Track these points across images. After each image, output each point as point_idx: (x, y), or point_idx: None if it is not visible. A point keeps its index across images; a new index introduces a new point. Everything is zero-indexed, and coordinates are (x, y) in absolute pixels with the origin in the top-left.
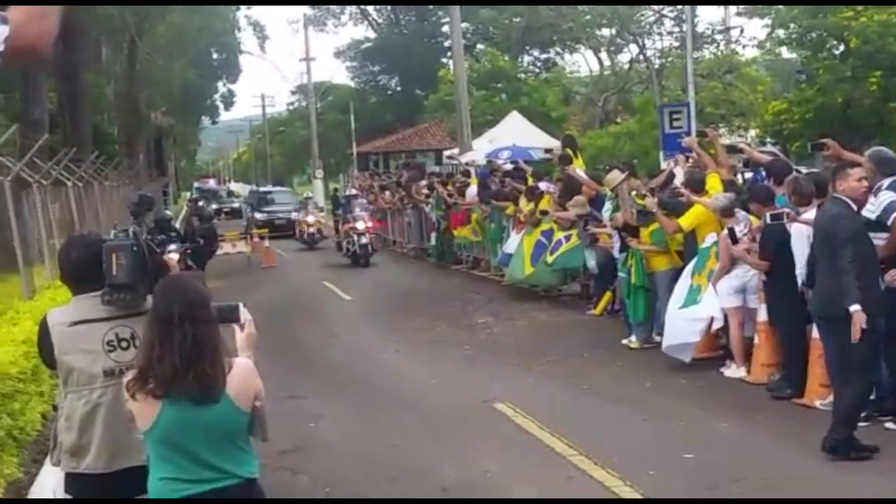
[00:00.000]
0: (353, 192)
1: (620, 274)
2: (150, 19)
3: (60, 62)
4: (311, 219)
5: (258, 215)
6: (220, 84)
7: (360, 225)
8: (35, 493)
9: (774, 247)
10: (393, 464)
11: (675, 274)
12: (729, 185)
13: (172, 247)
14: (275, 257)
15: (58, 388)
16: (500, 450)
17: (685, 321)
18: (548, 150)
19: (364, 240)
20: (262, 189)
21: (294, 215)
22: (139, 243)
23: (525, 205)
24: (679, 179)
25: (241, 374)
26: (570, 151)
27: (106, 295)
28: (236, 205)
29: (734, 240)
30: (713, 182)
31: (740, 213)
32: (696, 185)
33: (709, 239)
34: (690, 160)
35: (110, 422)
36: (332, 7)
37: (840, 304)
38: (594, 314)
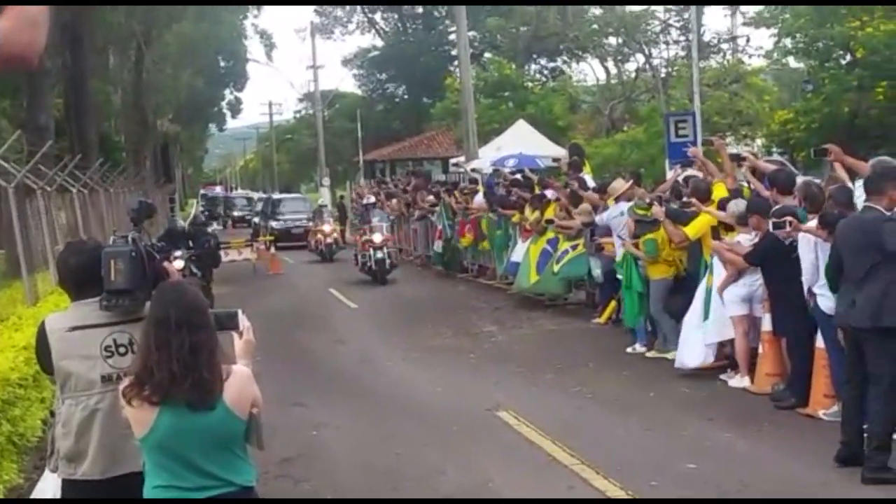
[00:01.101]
0: (371, 199)
1: (619, 276)
2: (157, 27)
3: (67, 69)
4: (327, 228)
5: (273, 223)
6: (227, 92)
7: (378, 237)
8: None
9: (774, 255)
10: (395, 472)
11: (672, 284)
12: (735, 194)
13: (178, 253)
14: (281, 265)
15: (55, 394)
16: (503, 458)
17: (700, 344)
18: (556, 160)
19: (380, 254)
20: (276, 196)
21: (309, 224)
22: (138, 249)
23: (530, 213)
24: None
25: (239, 381)
26: (577, 159)
27: (104, 300)
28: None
29: (717, 237)
30: (719, 191)
31: None
32: (702, 194)
33: None
34: (689, 170)
35: (107, 428)
36: (339, 15)
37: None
38: (599, 323)
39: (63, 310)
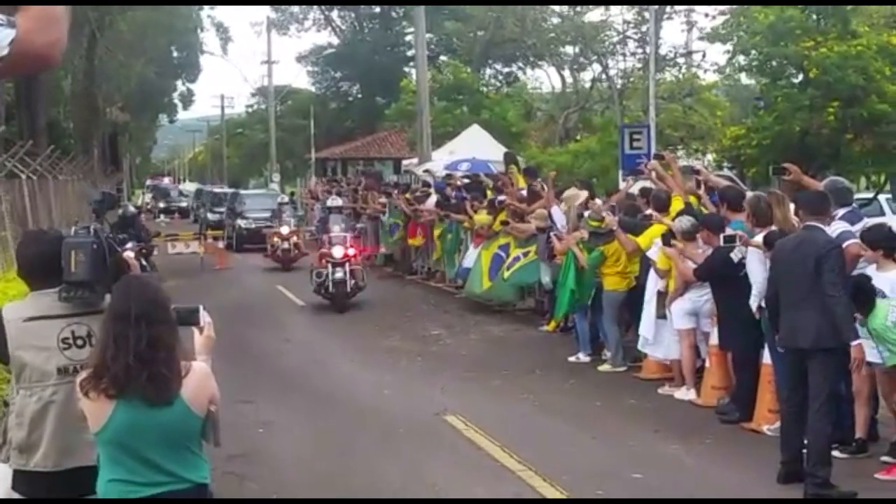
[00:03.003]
0: (337, 201)
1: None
2: (111, 13)
3: None
4: (284, 230)
5: (241, 222)
6: (179, 83)
7: (338, 251)
8: None
9: (723, 269)
10: (341, 474)
11: (626, 297)
12: (687, 209)
13: (129, 245)
14: (229, 259)
15: (10, 384)
16: (450, 463)
17: (671, 336)
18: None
19: (339, 273)
20: (243, 191)
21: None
22: (100, 241)
23: (480, 217)
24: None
25: (197, 377)
26: (514, 167)
27: (63, 292)
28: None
29: (668, 244)
30: (676, 204)
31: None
32: (661, 204)
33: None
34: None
35: (61, 420)
36: (295, 11)
37: (837, 336)
38: (547, 330)
39: (18, 297)
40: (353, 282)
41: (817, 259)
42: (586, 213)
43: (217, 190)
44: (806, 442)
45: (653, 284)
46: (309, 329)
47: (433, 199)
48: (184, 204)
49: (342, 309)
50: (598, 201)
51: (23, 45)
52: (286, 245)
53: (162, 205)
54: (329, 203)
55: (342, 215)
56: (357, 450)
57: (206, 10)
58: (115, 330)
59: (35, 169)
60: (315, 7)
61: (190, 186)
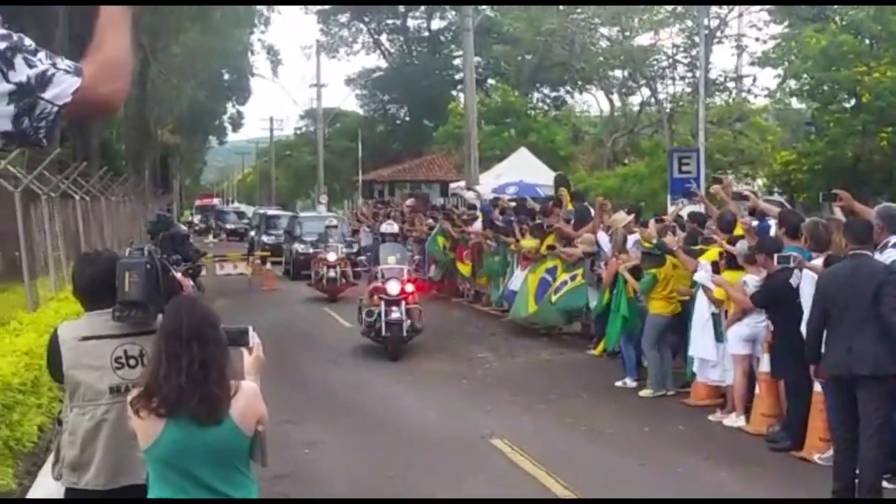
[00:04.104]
0: (393, 227)
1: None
2: (164, 38)
3: None
4: (331, 256)
5: (299, 247)
6: (229, 105)
7: (394, 287)
8: None
9: (782, 293)
10: (386, 495)
11: (670, 321)
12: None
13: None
14: (275, 281)
15: (63, 402)
16: (495, 485)
17: (727, 360)
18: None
19: (395, 313)
20: (303, 214)
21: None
22: (153, 262)
23: (527, 242)
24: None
25: (246, 397)
26: (564, 190)
27: (117, 312)
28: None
29: (717, 271)
30: (737, 229)
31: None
32: (726, 226)
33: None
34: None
35: (113, 439)
36: (345, 35)
37: (892, 363)
38: (594, 354)
39: (73, 317)
40: (408, 322)
41: (878, 285)
42: (635, 237)
43: (272, 212)
44: (858, 472)
45: (704, 308)
46: (355, 350)
47: (479, 222)
48: (241, 227)
49: (396, 356)
50: (652, 222)
51: (86, 94)
52: (333, 273)
53: (229, 226)
54: (383, 229)
55: (398, 243)
56: (402, 471)
57: (257, 34)
58: (168, 350)
59: (88, 190)
60: (364, 30)
61: (247, 208)
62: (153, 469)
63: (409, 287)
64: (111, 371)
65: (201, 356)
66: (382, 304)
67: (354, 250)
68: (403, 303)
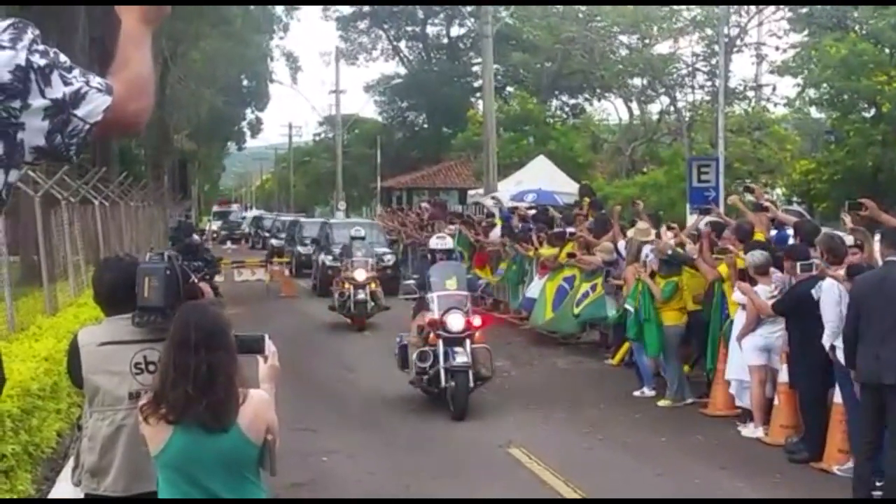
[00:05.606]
0: (447, 242)
1: (628, 307)
2: (184, 44)
3: None
4: (360, 274)
5: (326, 259)
6: (248, 111)
7: (456, 322)
8: None
9: (800, 305)
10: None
11: (683, 331)
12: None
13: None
14: (294, 288)
15: (83, 408)
16: (514, 494)
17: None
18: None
19: (461, 356)
20: (334, 220)
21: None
22: (173, 267)
23: (546, 250)
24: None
25: (255, 405)
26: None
27: (136, 317)
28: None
29: (743, 278)
30: (757, 238)
31: (775, 274)
32: (745, 235)
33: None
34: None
35: (132, 444)
36: (364, 42)
37: None
38: (612, 363)
39: (91, 322)
40: (471, 370)
41: None
42: (651, 248)
43: (303, 219)
44: (878, 484)
45: (739, 322)
46: (373, 358)
47: (497, 229)
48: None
49: (461, 415)
50: (670, 233)
51: (115, 112)
52: (361, 295)
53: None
54: (433, 244)
55: (456, 262)
56: (421, 480)
57: (276, 40)
58: (176, 357)
59: (107, 195)
60: (383, 37)
61: (267, 215)
62: (162, 475)
63: (477, 320)
64: (131, 376)
65: (208, 363)
66: (441, 343)
67: (389, 263)
68: (468, 341)
